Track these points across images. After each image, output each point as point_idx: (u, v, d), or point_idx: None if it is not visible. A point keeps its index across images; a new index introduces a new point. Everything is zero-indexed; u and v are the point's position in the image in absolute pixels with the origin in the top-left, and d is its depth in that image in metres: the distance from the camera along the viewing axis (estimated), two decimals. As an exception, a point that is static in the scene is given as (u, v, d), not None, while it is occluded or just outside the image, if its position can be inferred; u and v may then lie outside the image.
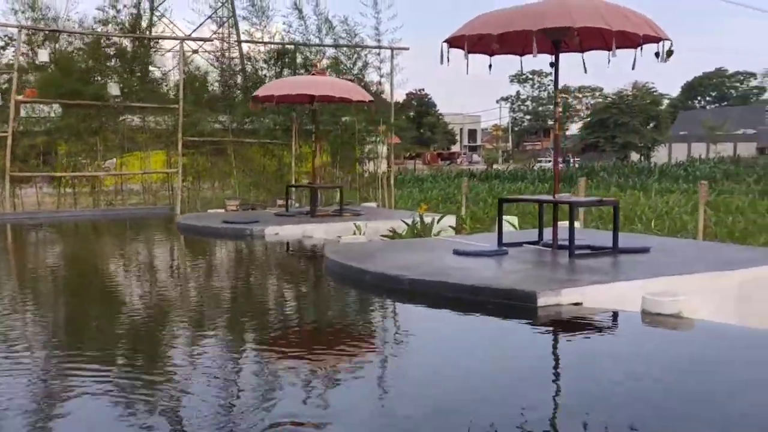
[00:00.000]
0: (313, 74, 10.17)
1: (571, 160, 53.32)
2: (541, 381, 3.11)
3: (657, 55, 5.98)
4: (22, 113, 13.12)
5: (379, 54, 15.66)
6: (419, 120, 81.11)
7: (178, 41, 14.37)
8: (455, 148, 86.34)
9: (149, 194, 14.48)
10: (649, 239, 7.30)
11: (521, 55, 6.88)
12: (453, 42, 6.04)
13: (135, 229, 10.81)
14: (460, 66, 6.28)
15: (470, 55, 6.30)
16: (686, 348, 3.74)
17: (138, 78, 14.04)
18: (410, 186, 26.15)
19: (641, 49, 5.65)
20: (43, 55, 13.07)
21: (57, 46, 13.44)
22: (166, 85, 14.49)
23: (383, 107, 16.19)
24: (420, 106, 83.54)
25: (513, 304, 4.34)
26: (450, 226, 9.11)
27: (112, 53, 13.91)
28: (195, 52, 15.77)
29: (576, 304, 4.40)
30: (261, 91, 9.80)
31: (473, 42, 6.26)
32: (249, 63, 15.19)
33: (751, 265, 5.36)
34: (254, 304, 5.13)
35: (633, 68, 6.20)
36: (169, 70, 15.18)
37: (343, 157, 16.05)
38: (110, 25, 13.83)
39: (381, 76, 16.00)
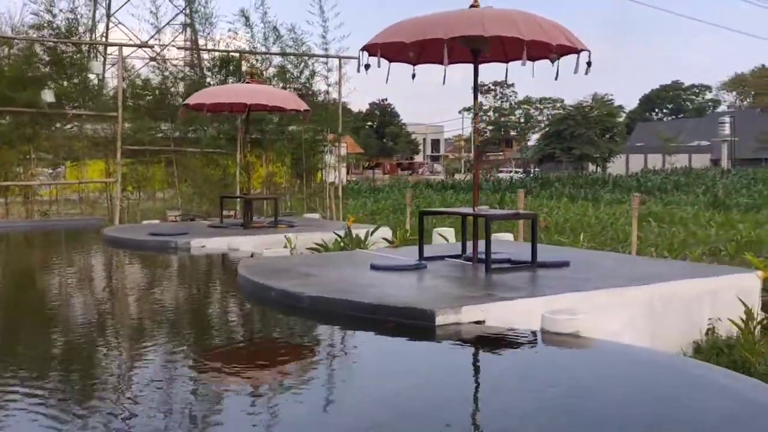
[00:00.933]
0: (248, 82, 9.94)
1: (532, 171, 53.78)
2: (407, 404, 2.93)
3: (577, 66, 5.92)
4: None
5: (326, 63, 15.50)
6: (382, 130, 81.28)
7: (118, 47, 14.01)
8: (418, 158, 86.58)
9: (87, 204, 14.06)
10: (578, 252, 7.22)
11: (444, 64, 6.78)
12: (371, 50, 5.88)
13: (58, 240, 10.44)
14: (424, 76, 6.19)
15: (431, 66, 6.21)
16: (566, 369, 3.58)
17: (75, 84, 13.64)
18: (366, 196, 26.00)
19: (555, 62, 5.54)
20: (-27, 60, 12.63)
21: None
22: (106, 92, 14.09)
23: (332, 117, 16.04)
24: (383, 116, 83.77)
25: (412, 323, 4.17)
26: (384, 239, 8.94)
27: (47, 59, 13.48)
28: (153, 59, 15.33)
29: (478, 322, 4.24)
30: (192, 99, 9.54)
31: (397, 50, 6.14)
32: (193, 71, 14.90)
33: (666, 279, 5.28)
34: (141, 320, 4.86)
35: (556, 79, 6.10)
36: (113, 88, 14.81)
37: (290, 167, 15.84)
38: (45, 30, 13.43)
39: (329, 85, 15.85)
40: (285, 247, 8.50)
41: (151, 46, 14.80)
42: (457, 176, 54.01)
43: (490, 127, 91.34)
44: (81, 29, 13.67)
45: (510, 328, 4.17)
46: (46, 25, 13.39)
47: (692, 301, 5.19)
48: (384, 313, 4.31)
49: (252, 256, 7.71)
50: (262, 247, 8.57)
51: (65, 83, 13.50)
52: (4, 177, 13.04)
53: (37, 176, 14.03)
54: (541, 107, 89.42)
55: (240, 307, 5.52)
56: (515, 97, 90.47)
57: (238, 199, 13.38)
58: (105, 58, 15.03)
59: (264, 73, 14.91)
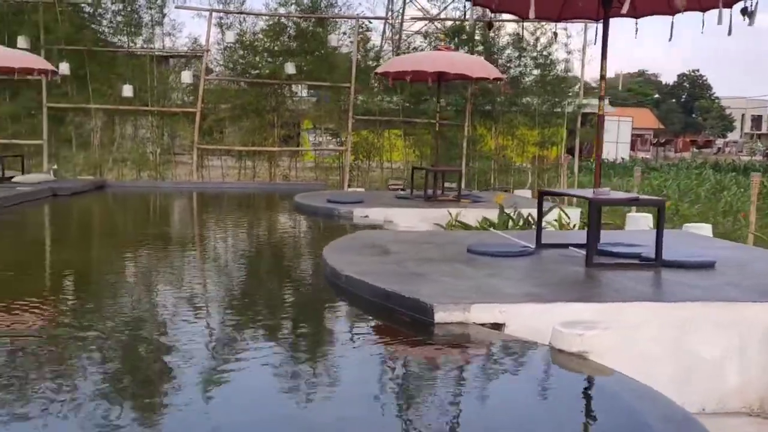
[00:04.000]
0: (438, 49, 9.57)
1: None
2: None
3: (743, 12, 4.64)
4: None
5: (565, 29, 14.39)
6: (690, 104, 74.00)
7: (355, 20, 14.54)
8: (733, 136, 77.03)
9: (321, 171, 14.96)
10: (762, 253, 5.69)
11: (597, 20, 5.76)
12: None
13: (261, 202, 11.24)
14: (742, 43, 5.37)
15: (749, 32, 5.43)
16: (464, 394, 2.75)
17: (315, 57, 14.47)
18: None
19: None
20: (230, 37, 14.05)
21: (243, 27, 14.35)
22: (342, 64, 14.73)
23: (566, 88, 14.98)
24: (693, 89, 76.22)
25: (417, 317, 3.61)
26: (555, 221, 8.03)
27: (293, 33, 14.50)
28: (426, 36, 15.59)
29: (496, 325, 3.53)
30: (380, 68, 9.49)
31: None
32: (426, 41, 14.88)
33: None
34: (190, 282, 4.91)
35: (729, 34, 4.85)
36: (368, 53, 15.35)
37: (520, 141, 15.13)
38: (292, 6, 14.42)
39: (569, 53, 14.74)
40: (449, 221, 8.12)
41: (386, 18, 15.09)
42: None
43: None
44: (323, 4, 14.37)
45: (524, 338, 3.38)
46: (293, 1, 14.36)
47: None
48: (394, 302, 3.80)
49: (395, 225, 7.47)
50: (425, 220, 8.29)
51: (305, 55, 14.38)
52: (251, 143, 14.40)
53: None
54: None
55: (288, 277, 5.33)
56: None
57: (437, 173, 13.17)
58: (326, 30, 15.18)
59: (495, 40, 14.33)
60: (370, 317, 3.88)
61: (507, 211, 8.04)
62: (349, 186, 14.02)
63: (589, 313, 3.55)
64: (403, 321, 3.65)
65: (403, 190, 12.53)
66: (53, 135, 13.64)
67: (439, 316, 3.50)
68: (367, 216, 8.32)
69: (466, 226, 7.42)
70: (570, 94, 14.91)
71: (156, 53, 14.21)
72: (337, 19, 14.56)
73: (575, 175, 15.13)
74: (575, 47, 14.63)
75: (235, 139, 14.61)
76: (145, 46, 14.11)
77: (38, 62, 11.06)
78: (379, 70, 9.51)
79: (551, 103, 14.81)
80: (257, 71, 14.28)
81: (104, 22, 14.15)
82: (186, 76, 13.81)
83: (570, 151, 16.55)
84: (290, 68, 13.89)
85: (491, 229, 7.08)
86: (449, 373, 3.06)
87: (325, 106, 14.71)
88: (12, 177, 10.88)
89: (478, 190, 13.65)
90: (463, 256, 5.02)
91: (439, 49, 9.59)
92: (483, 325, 3.53)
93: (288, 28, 14.43)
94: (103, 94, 13.65)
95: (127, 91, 13.41)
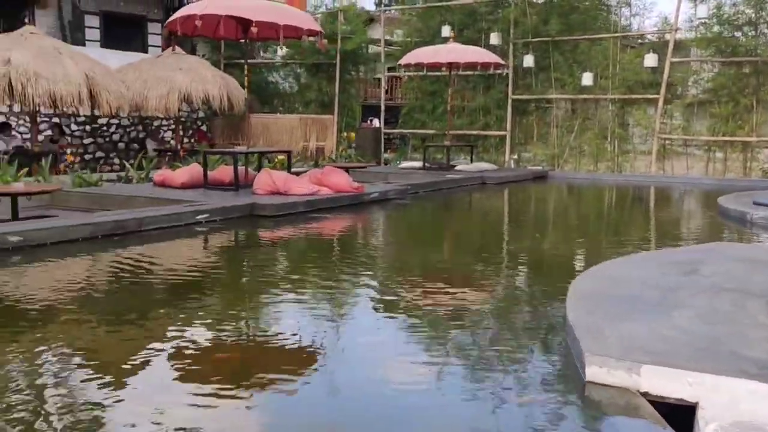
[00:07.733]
0: None
1: None
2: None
3: None
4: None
5: None
6: None
7: None
8: None
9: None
10: None
11: None
12: None
13: (693, 202, 9.47)
14: None
15: None
16: None
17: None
18: None
19: None
20: (702, 11, 12.31)
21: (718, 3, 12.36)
22: None
23: None
24: None
25: (574, 367, 2.50)
26: None
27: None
28: None
29: (682, 403, 2.19)
30: None
31: None
32: None
33: None
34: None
35: None
36: None
37: None
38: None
39: None
40: None
41: None
42: None
43: None
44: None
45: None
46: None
47: None
48: (570, 340, 2.71)
49: None
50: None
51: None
52: (721, 132, 12.37)
53: None
54: None
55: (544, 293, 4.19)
56: None
57: None
58: None
59: None
60: (532, 355, 2.84)
61: None
62: None
63: None
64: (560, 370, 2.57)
65: None
66: (516, 126, 14.11)
67: (592, 373, 2.34)
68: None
69: None
70: None
71: (618, 36, 13.37)
72: None
73: None
74: None
75: (703, 127, 12.77)
76: (609, 30, 13.43)
77: (488, 56, 11.58)
78: None
79: None
80: (738, 48, 12.16)
81: (570, 11, 13.91)
82: (650, 60, 12.59)
83: None
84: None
85: None
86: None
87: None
88: (455, 165, 11.64)
89: None
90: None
91: None
92: (662, 399, 2.22)
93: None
94: (564, 83, 13.51)
95: (587, 79, 12.95)
